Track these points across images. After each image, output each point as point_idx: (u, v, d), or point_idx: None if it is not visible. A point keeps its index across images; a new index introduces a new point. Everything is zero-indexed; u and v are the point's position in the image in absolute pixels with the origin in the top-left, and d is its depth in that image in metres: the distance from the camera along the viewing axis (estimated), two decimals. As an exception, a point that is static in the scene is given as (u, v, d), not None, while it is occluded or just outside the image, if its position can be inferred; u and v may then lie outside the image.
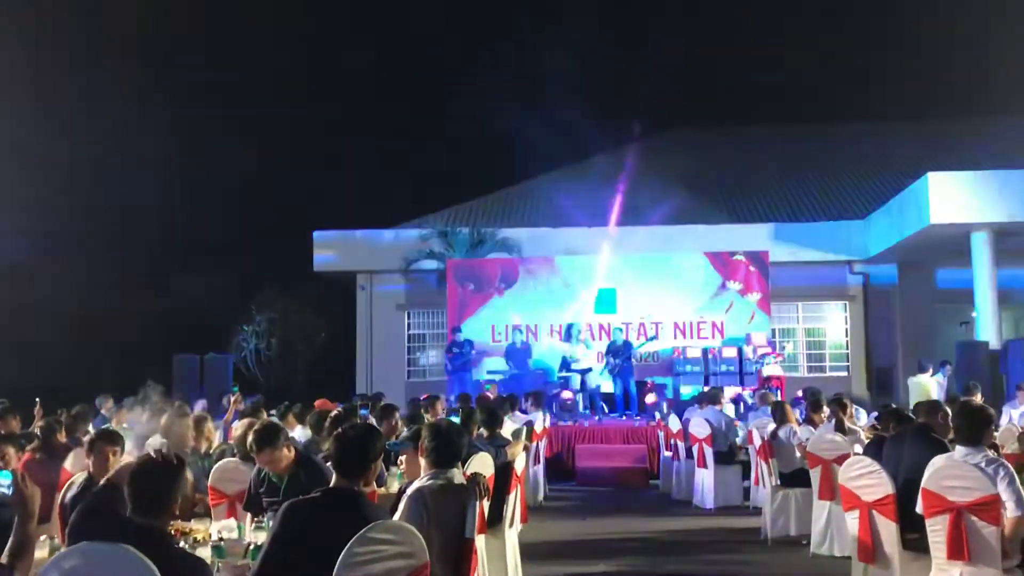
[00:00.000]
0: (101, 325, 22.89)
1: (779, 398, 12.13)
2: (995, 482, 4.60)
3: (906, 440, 5.48)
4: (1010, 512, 4.54)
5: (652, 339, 15.79)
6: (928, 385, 12.88)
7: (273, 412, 9.08)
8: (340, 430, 3.65)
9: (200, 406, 11.57)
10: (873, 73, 40.50)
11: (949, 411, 5.70)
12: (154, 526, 3.08)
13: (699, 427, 9.93)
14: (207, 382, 15.04)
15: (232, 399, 10.47)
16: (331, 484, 3.48)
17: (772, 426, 8.75)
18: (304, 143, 40.36)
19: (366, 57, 46.18)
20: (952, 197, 15.22)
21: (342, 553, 3.03)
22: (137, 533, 2.98)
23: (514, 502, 6.25)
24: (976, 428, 4.86)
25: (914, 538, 5.08)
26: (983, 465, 4.68)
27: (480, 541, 5.21)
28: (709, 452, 9.78)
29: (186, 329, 21.32)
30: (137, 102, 30.32)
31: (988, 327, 15.40)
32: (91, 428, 7.68)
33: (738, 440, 9.93)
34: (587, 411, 14.24)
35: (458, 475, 4.17)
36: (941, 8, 38.28)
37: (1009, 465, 4.76)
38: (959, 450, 4.86)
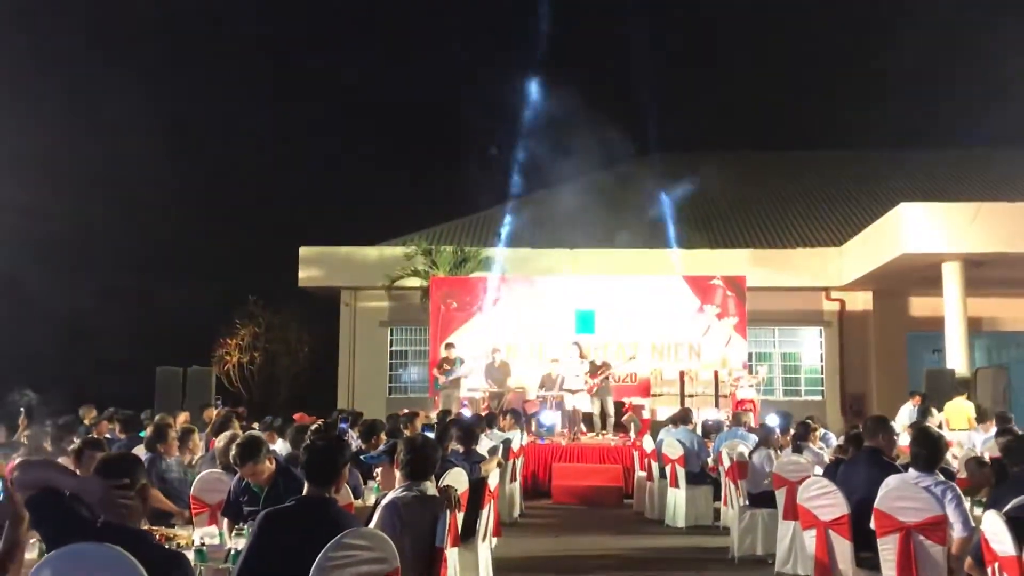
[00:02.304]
0: (85, 337, 22.91)
1: (753, 422, 12.40)
2: (943, 504, 4.85)
3: (860, 462, 5.73)
4: (957, 532, 4.78)
5: (631, 359, 16.04)
6: (966, 408, 13.12)
7: (256, 425, 9.26)
8: (309, 440, 3.84)
9: (182, 419, 11.71)
10: (851, 104, 41.18)
11: (892, 429, 5.99)
12: (125, 524, 3.25)
13: (672, 447, 10.14)
14: (189, 395, 15.12)
15: (215, 413, 10.61)
16: (304, 493, 3.68)
17: (742, 447, 8.98)
18: (292, 159, 40.57)
19: (355, 75, 46.57)
20: (925, 227, 15.59)
21: (318, 557, 3.23)
22: (114, 532, 3.16)
23: (487, 517, 6.45)
24: (933, 455, 5.11)
25: (867, 556, 5.30)
26: (932, 487, 4.93)
27: (453, 554, 5.41)
28: (681, 472, 9.98)
29: (170, 341, 21.40)
30: (123, 113, 30.40)
31: (957, 355, 15.72)
32: (76, 439, 7.81)
33: (709, 461, 10.15)
34: (564, 431, 14.42)
35: (431, 487, 4.38)
36: (921, 41, 39.04)
37: (957, 488, 5.02)
38: (911, 473, 5.10)
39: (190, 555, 3.94)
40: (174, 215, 30.32)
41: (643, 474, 11.44)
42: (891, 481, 5.14)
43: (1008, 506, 4.25)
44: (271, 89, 45.27)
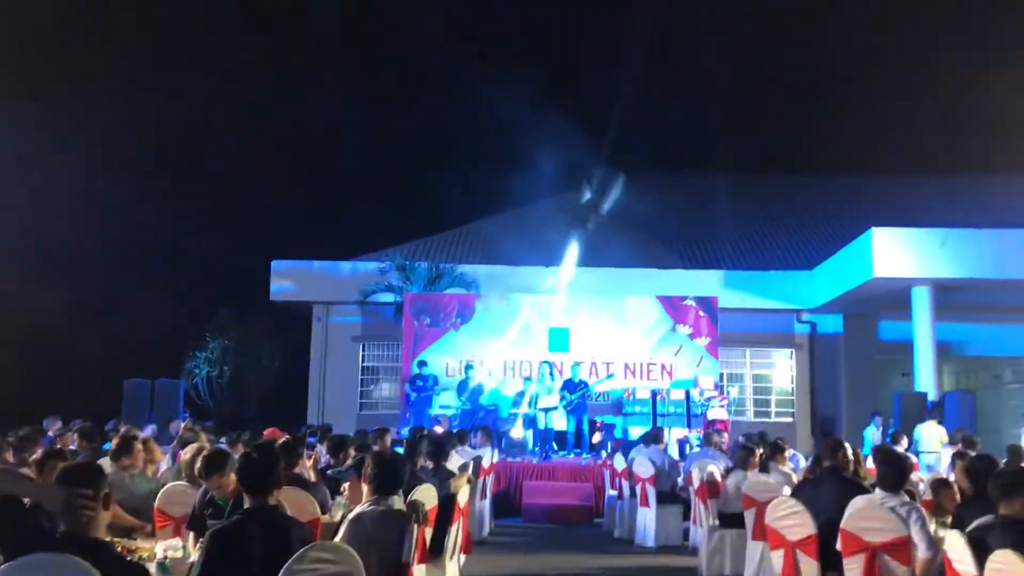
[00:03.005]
0: (53, 347, 22.58)
1: (725, 442, 12.43)
2: (908, 524, 4.90)
3: (824, 482, 5.78)
4: (921, 553, 4.83)
5: (609, 377, 16.10)
6: (938, 431, 13.31)
7: (223, 440, 9.16)
8: (245, 452, 3.84)
9: (149, 431, 11.58)
10: (824, 130, 41.73)
11: (848, 448, 6.06)
12: (86, 535, 3.20)
13: (642, 467, 10.13)
14: (157, 407, 14.94)
15: (183, 426, 10.49)
16: (246, 506, 3.65)
17: (712, 467, 8.99)
18: (265, 172, 40.35)
19: (329, 90, 46.49)
20: (895, 252, 15.79)
21: (282, 570, 3.19)
22: (74, 542, 3.12)
23: (456, 534, 6.41)
24: (899, 475, 5.17)
25: (833, 576, 5.34)
26: (898, 508, 4.98)
27: (421, 570, 5.37)
28: (652, 492, 9.97)
29: (138, 353, 21.14)
30: (95, 123, 30.17)
31: (926, 378, 15.89)
32: (38, 450, 7.67)
33: (679, 480, 10.15)
34: (536, 448, 14.39)
35: (398, 502, 4.35)
36: (889, 67, 39.73)
37: (923, 509, 5.08)
38: (878, 493, 5.15)
39: (152, 568, 3.88)
40: (144, 226, 30.01)
41: (614, 493, 11.43)
42: (858, 502, 5.19)
43: (970, 527, 4.30)
44: (245, 102, 45.12)
